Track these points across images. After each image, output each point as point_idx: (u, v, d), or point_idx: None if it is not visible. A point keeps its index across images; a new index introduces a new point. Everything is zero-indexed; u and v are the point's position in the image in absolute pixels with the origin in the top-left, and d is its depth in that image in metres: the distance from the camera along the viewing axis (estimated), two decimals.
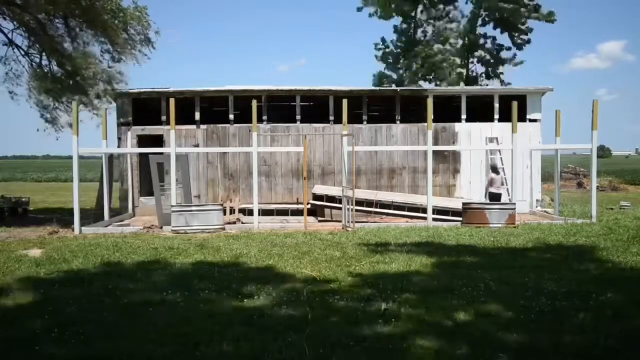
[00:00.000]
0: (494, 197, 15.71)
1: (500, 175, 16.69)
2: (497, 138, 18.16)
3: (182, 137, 17.82)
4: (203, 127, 18.21)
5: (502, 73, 29.33)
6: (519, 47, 29.13)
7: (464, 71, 29.59)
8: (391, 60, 30.92)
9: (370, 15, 30.30)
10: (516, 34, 28.80)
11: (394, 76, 30.92)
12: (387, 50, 30.80)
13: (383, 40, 30.91)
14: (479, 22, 29.24)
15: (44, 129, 17.71)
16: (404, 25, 29.81)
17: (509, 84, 28.82)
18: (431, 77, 28.38)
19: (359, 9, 30.55)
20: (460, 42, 29.15)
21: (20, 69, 17.88)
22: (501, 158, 17.72)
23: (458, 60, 29.52)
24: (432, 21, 29.30)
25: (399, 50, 30.42)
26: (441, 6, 29.13)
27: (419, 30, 29.27)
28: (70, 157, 14.52)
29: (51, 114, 17.59)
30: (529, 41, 28.95)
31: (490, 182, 16.08)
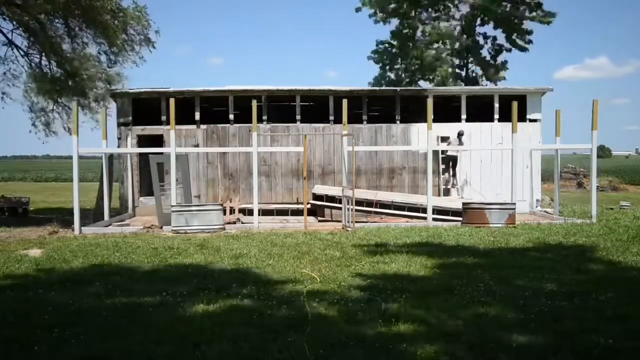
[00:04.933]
0: (450, 159, 17.68)
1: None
2: (449, 137, 18.35)
3: (182, 137, 17.81)
4: (203, 127, 18.21)
5: (504, 68, 29.22)
6: (521, 48, 29.07)
7: (462, 72, 29.60)
8: (388, 62, 30.91)
9: (370, 16, 30.33)
10: (515, 35, 28.76)
11: (392, 76, 30.94)
12: (385, 51, 30.77)
13: (381, 42, 30.93)
14: (478, 22, 29.20)
15: (36, 131, 17.78)
16: (401, 26, 29.78)
17: (503, 79, 28.80)
18: (430, 77, 28.34)
19: (358, 10, 30.56)
20: (457, 42, 29.12)
21: (19, 70, 17.89)
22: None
23: (456, 61, 29.51)
24: (429, 21, 29.27)
25: (396, 50, 30.40)
26: (439, 6, 29.11)
27: (418, 31, 29.23)
28: (71, 157, 14.53)
29: (46, 117, 17.61)
30: (530, 42, 28.90)
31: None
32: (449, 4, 28.87)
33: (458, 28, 29.18)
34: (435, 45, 28.60)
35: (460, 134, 17.83)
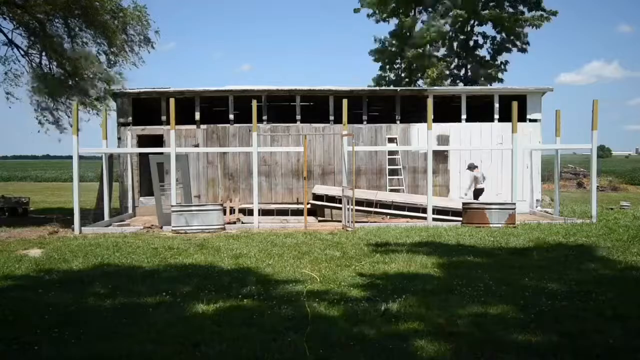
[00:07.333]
0: (478, 193, 16.47)
1: (480, 171, 16.92)
2: (396, 138, 18.08)
3: (182, 137, 17.82)
4: (203, 127, 18.21)
5: (502, 70, 29.17)
6: (520, 48, 29.01)
7: (460, 72, 29.57)
8: (387, 61, 30.88)
9: (368, 16, 30.29)
10: (513, 36, 28.70)
11: (392, 76, 30.92)
12: (385, 50, 30.73)
13: (380, 41, 30.87)
14: (475, 22, 29.15)
15: (45, 129, 17.64)
16: (400, 26, 29.74)
17: (501, 80, 28.76)
18: (427, 77, 28.31)
19: (356, 10, 30.51)
20: (454, 42, 29.08)
21: (20, 69, 17.89)
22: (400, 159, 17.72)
23: (454, 61, 29.48)
24: (427, 21, 29.22)
25: (395, 50, 30.37)
26: (438, 6, 29.07)
27: (415, 29, 29.18)
28: (71, 157, 14.52)
29: (53, 115, 17.54)
30: (528, 43, 28.84)
31: (476, 181, 16.60)
32: (446, 1, 28.75)
33: (450, 27, 29.09)
34: (432, 45, 28.57)
35: (470, 167, 16.96)
